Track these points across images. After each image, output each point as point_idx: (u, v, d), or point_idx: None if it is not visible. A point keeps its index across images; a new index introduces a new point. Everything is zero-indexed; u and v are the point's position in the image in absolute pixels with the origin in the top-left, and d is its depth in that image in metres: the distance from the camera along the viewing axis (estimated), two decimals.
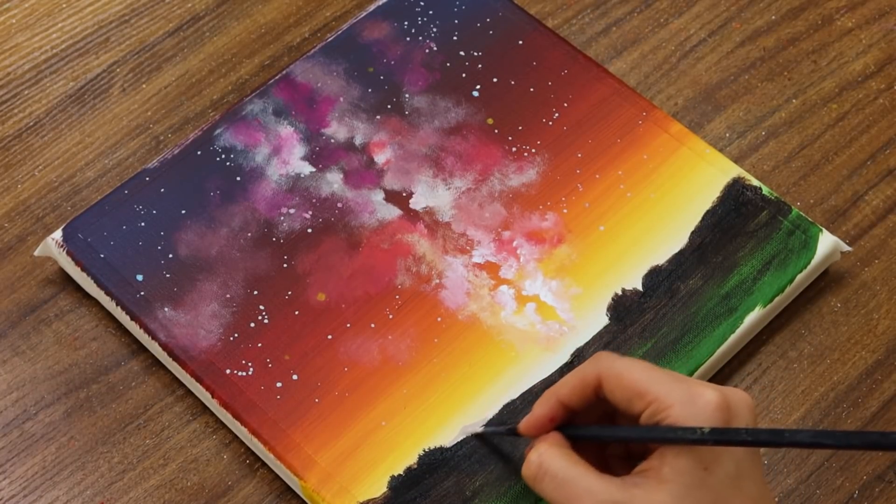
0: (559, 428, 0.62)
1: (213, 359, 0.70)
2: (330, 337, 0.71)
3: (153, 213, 0.74)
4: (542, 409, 0.63)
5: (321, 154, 0.77)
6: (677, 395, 0.58)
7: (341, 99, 0.79)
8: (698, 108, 0.82)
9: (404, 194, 0.76)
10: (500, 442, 0.68)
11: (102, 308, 0.73)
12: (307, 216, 0.74)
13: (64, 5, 0.85)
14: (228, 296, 0.72)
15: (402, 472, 0.67)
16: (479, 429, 0.68)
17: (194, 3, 0.85)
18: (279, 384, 0.69)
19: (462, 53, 0.81)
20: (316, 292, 0.72)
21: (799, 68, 0.84)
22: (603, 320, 0.72)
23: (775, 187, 0.79)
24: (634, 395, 0.59)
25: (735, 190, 0.76)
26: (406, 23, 0.81)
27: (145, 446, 0.70)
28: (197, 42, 0.84)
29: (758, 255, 0.73)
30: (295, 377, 0.69)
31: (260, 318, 0.71)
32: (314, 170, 0.76)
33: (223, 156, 0.76)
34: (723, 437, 0.56)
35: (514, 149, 0.77)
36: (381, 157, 0.77)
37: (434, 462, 0.67)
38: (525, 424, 0.63)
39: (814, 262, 0.74)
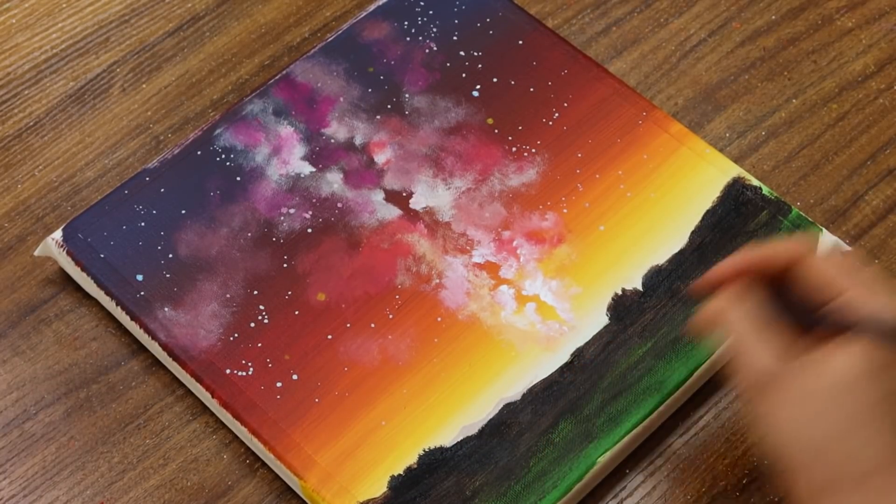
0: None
1: (213, 359, 0.70)
2: (330, 337, 0.71)
3: (153, 213, 0.74)
4: (723, 268, 0.64)
5: (321, 154, 0.77)
6: (868, 292, 0.59)
7: (341, 99, 0.79)
8: (698, 108, 0.82)
9: (404, 194, 0.76)
10: (500, 441, 0.68)
11: (102, 308, 0.73)
12: (307, 216, 0.74)
13: (64, 5, 0.85)
14: (228, 296, 0.72)
15: (402, 472, 0.67)
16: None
17: (194, 3, 0.85)
18: (279, 384, 0.69)
19: (462, 53, 0.81)
20: (316, 292, 0.72)
21: (799, 68, 0.84)
22: (603, 320, 0.72)
23: (775, 187, 0.79)
24: (826, 283, 0.60)
25: (735, 190, 0.76)
26: (406, 23, 0.81)
27: (145, 446, 0.70)
28: (197, 42, 0.84)
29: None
30: (295, 377, 0.69)
31: (260, 318, 0.71)
32: (314, 170, 0.76)
33: (223, 156, 0.76)
34: None
35: (514, 149, 0.77)
36: (381, 157, 0.77)
37: (434, 462, 0.67)
38: (700, 282, 0.65)
39: None
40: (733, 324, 0.61)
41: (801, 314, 0.61)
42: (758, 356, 0.59)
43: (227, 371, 0.69)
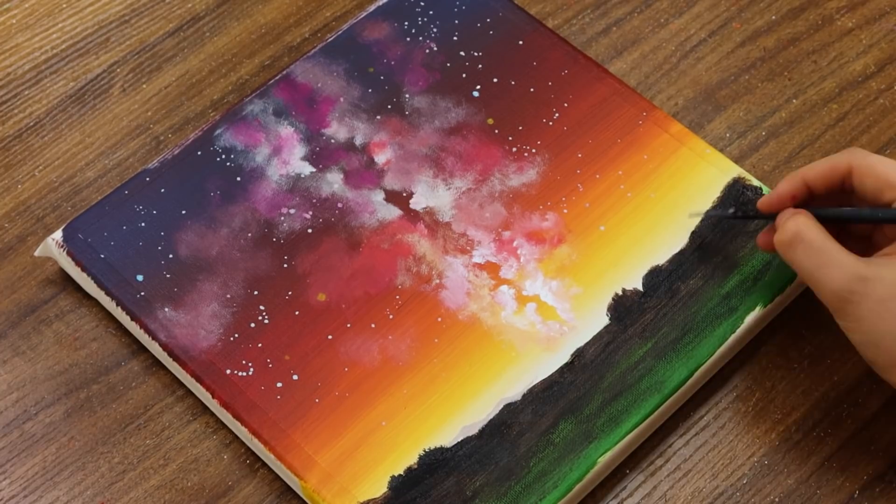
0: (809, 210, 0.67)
1: (214, 359, 0.70)
2: (330, 337, 0.71)
3: (153, 214, 0.74)
4: (786, 186, 0.68)
5: (321, 154, 0.77)
6: None
7: (341, 99, 0.79)
8: (698, 108, 0.82)
9: (404, 194, 0.76)
10: (500, 441, 0.68)
11: (102, 308, 0.73)
12: (307, 216, 0.74)
13: (64, 5, 0.85)
14: (229, 296, 0.72)
15: (402, 472, 0.67)
16: (701, 214, 0.73)
17: (194, 3, 0.85)
18: (279, 384, 0.69)
19: (462, 53, 0.81)
20: (316, 292, 0.72)
21: (799, 68, 0.84)
22: (603, 320, 0.72)
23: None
24: (885, 186, 0.65)
25: (735, 190, 0.76)
26: (406, 23, 0.81)
27: (145, 446, 0.70)
28: (197, 42, 0.84)
29: (758, 255, 0.73)
30: (295, 377, 0.69)
31: (260, 318, 0.71)
32: (314, 170, 0.76)
33: (223, 156, 0.76)
34: None
35: (514, 149, 0.77)
36: (381, 158, 0.77)
37: (434, 462, 0.67)
38: (766, 200, 0.69)
39: None
40: (809, 241, 0.65)
41: (868, 217, 0.66)
42: (839, 267, 0.64)
43: (228, 371, 0.69)
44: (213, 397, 0.69)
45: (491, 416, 0.69)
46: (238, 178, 0.76)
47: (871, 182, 0.66)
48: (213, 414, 0.70)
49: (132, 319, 0.71)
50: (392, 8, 0.82)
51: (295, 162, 0.76)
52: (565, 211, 0.75)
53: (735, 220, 0.73)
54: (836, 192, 0.68)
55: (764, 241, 0.70)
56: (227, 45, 0.84)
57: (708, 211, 0.73)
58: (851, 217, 0.67)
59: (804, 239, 0.65)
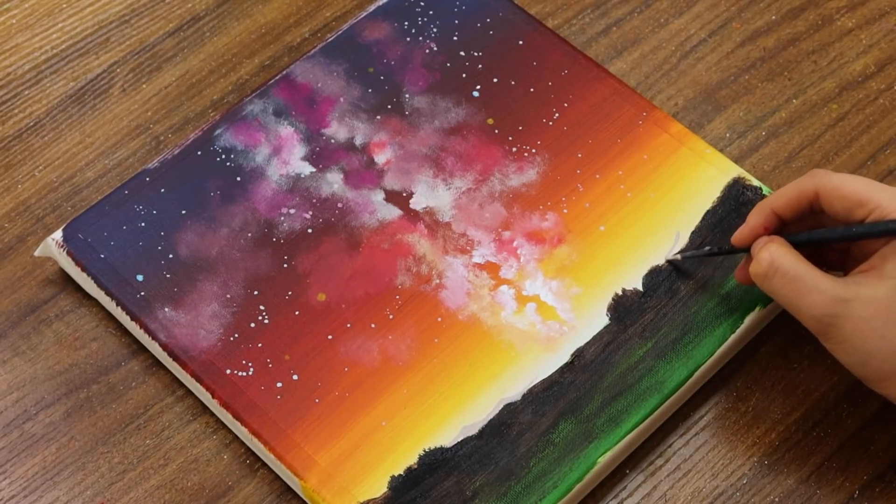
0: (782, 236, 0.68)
1: (214, 359, 0.70)
2: (330, 337, 0.71)
3: (153, 214, 0.74)
4: (756, 219, 0.68)
5: (321, 154, 0.77)
6: None
7: (341, 99, 0.79)
8: (698, 108, 0.82)
9: (404, 194, 0.76)
10: (500, 441, 0.68)
11: (103, 308, 0.73)
12: (307, 216, 0.74)
13: (64, 5, 0.85)
14: (229, 296, 0.72)
15: (402, 472, 0.67)
16: (677, 256, 0.72)
17: (194, 3, 0.85)
18: (279, 384, 0.69)
19: (462, 53, 0.81)
20: (316, 292, 0.72)
21: (799, 68, 0.84)
22: (603, 320, 0.72)
23: (776, 187, 0.79)
24: (855, 205, 0.64)
25: (735, 190, 0.76)
26: (406, 23, 0.81)
27: (145, 446, 0.70)
28: (197, 42, 0.84)
29: None
30: (295, 377, 0.69)
31: (260, 318, 0.71)
32: (314, 170, 0.76)
33: (223, 156, 0.76)
34: None
35: (514, 149, 0.77)
36: (381, 158, 0.77)
37: (434, 462, 0.67)
38: (739, 234, 0.69)
39: None
40: (784, 270, 0.65)
41: (842, 237, 0.66)
42: (817, 292, 0.64)
43: (228, 371, 0.69)
44: (213, 397, 0.69)
45: (491, 416, 0.69)
46: (238, 178, 0.76)
47: (839, 203, 0.65)
48: (213, 414, 0.70)
49: (132, 319, 0.71)
50: (392, 8, 0.82)
51: (295, 162, 0.76)
52: (565, 211, 0.75)
53: (712, 256, 0.72)
54: (807, 215, 0.68)
55: (742, 276, 0.70)
56: (227, 45, 0.84)
57: (682, 251, 0.73)
58: (826, 238, 0.67)
59: (779, 268, 0.65)
